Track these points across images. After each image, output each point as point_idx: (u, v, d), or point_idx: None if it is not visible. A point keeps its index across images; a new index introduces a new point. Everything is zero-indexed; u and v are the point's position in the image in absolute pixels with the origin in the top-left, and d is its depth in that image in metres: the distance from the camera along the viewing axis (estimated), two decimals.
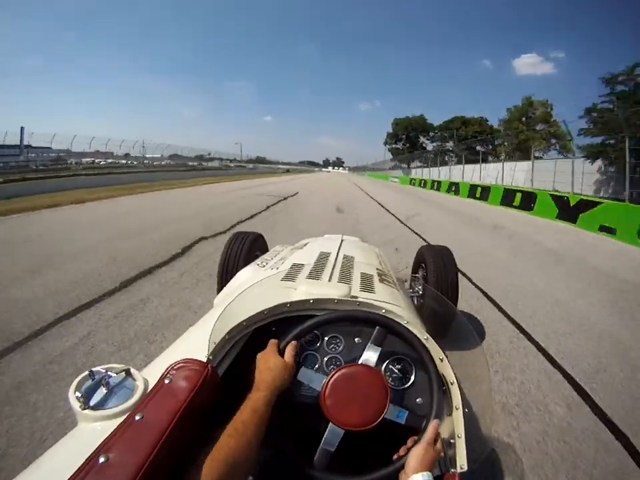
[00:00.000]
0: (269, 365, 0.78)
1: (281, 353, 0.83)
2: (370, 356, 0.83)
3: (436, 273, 2.28)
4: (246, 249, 2.37)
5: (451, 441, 0.76)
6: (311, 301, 0.92)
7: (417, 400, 0.88)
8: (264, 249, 2.69)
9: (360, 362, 0.83)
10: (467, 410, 0.78)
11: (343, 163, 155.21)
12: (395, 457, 0.77)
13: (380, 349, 0.84)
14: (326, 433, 0.77)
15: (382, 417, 0.76)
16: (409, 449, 0.74)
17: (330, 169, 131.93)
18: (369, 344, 0.85)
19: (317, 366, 0.92)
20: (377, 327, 0.85)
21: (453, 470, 0.72)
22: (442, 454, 0.74)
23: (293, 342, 0.84)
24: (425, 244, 2.65)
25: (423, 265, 2.51)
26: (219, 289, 2.14)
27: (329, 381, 0.78)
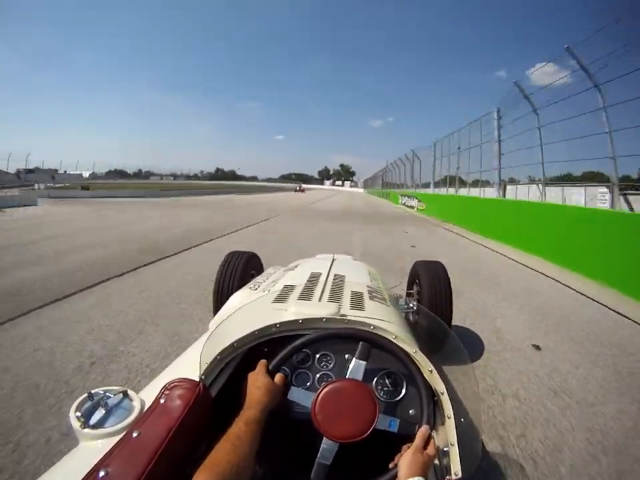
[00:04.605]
0: (258, 384, 0.81)
1: (271, 373, 0.86)
2: (356, 370, 0.86)
3: (429, 288, 2.32)
4: (241, 268, 2.38)
5: (445, 449, 0.78)
6: (300, 321, 0.94)
7: (410, 411, 0.91)
8: (259, 267, 2.71)
9: (347, 377, 0.86)
10: (462, 419, 0.80)
11: (354, 174, 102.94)
12: (391, 465, 0.78)
13: (365, 362, 0.87)
14: (321, 447, 0.79)
15: (373, 427, 0.78)
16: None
17: (327, 184, 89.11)
18: (354, 359, 0.88)
19: (309, 383, 0.94)
20: (361, 342, 0.88)
21: (447, 477, 0.74)
22: (436, 459, 0.76)
23: (281, 374, 0.88)
24: (420, 259, 2.69)
25: (417, 281, 2.55)
26: (215, 311, 2.15)
27: (318, 397, 0.81)
